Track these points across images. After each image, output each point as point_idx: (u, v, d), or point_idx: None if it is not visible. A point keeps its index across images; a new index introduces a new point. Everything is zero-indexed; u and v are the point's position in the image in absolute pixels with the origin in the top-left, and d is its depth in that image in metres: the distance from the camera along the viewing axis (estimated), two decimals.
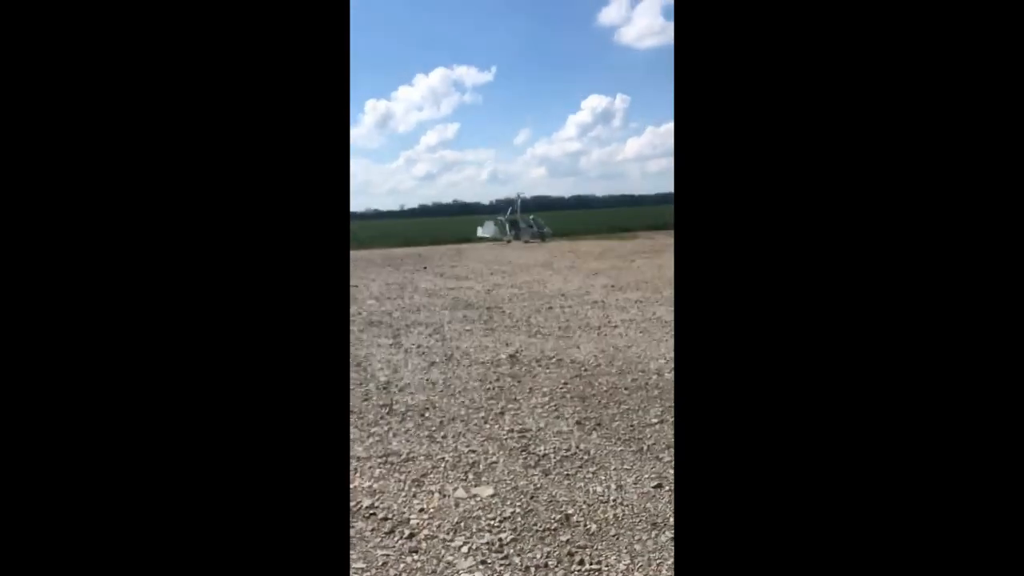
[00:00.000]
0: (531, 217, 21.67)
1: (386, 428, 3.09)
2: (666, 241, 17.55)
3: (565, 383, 3.76)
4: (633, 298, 7.05)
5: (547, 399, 3.46)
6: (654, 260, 11.76)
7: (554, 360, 4.34)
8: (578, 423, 3.07)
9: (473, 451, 2.77)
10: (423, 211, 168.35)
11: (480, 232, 21.82)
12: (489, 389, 3.69)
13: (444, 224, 42.03)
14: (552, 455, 2.69)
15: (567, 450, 2.73)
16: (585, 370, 4.05)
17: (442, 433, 2.99)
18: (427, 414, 3.27)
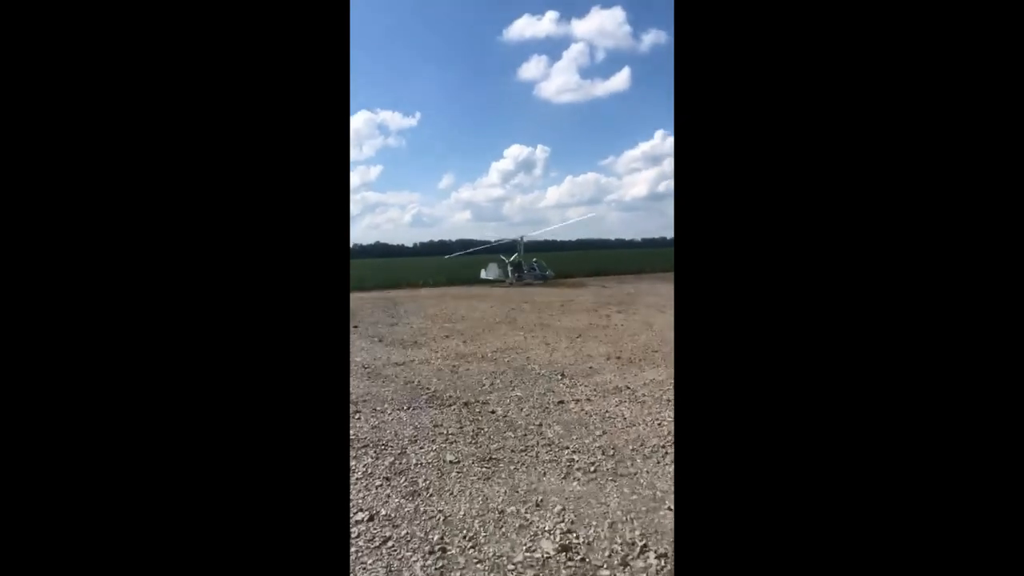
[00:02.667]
0: (534, 260, 20.35)
1: None
2: (624, 289, 16.18)
3: None
4: (661, 380, 5.14)
5: None
6: (631, 316, 10.08)
7: (637, 551, 2.23)
8: None
9: None
10: None
11: (484, 274, 20.40)
12: None
13: (370, 266, 38.52)
14: None
15: None
16: None
17: None
18: None
